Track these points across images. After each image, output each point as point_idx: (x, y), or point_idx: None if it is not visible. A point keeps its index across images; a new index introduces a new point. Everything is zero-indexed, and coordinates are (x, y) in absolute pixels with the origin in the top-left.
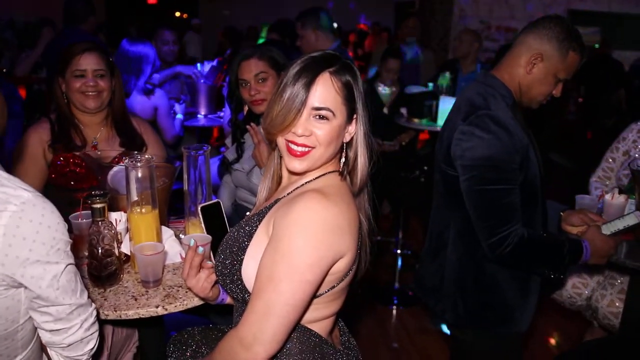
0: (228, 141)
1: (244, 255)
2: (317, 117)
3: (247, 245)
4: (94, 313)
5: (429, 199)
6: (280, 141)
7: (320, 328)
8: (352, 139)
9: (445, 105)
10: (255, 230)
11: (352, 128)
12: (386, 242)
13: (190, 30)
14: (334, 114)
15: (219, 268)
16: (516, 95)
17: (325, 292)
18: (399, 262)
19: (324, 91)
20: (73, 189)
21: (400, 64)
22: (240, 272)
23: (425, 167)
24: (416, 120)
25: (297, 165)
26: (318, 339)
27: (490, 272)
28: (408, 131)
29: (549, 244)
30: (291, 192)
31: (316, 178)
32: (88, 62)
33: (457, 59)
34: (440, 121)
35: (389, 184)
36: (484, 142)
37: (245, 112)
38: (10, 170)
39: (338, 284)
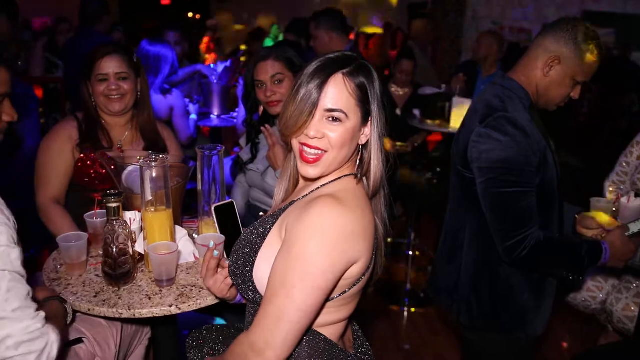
0: (242, 141)
1: (256, 257)
2: (330, 119)
3: (259, 247)
4: (31, 330)
5: (442, 200)
6: (295, 144)
7: (331, 332)
8: (367, 141)
9: (459, 107)
10: (269, 232)
11: (367, 130)
12: (398, 244)
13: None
14: (347, 116)
15: (232, 268)
16: (533, 97)
17: (337, 296)
18: (411, 264)
19: (337, 92)
20: (96, 189)
21: (414, 65)
22: (252, 273)
23: (438, 169)
24: (429, 121)
25: (310, 171)
26: (327, 343)
27: (505, 275)
28: (421, 133)
29: (567, 245)
30: (307, 194)
31: (332, 181)
32: (110, 66)
33: (476, 61)
34: (454, 123)
35: (402, 185)
36: (501, 144)
37: (260, 113)
38: (33, 165)
39: (350, 289)
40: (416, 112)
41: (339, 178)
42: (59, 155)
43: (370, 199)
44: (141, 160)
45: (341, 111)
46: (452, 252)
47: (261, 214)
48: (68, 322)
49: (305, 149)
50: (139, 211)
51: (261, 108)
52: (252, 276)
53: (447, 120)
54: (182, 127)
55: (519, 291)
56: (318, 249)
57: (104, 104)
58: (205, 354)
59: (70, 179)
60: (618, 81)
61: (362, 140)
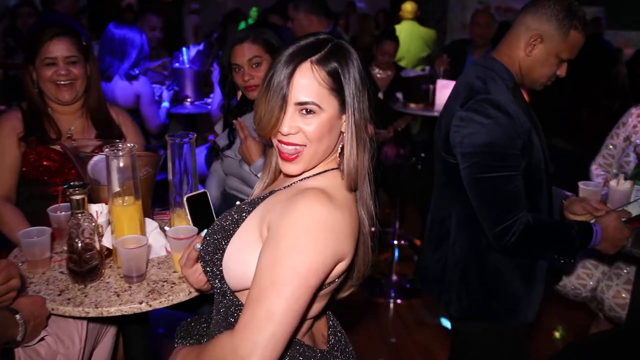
0: (218, 128)
1: (227, 244)
2: (303, 111)
3: (232, 234)
4: None
5: (427, 187)
6: (274, 141)
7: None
8: None
9: (443, 89)
10: (244, 219)
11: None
12: (382, 233)
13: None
14: (320, 107)
15: (202, 254)
16: (517, 77)
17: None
18: (396, 254)
19: (306, 83)
20: (45, 183)
21: (397, 47)
22: (221, 261)
23: (422, 154)
24: (412, 105)
25: (291, 168)
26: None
27: (494, 262)
28: (404, 117)
29: (557, 227)
30: (289, 185)
31: (317, 174)
32: (58, 49)
33: (465, 40)
34: (438, 106)
35: (384, 172)
36: (483, 128)
37: (238, 98)
38: None
39: (325, 287)
40: (399, 95)
41: (325, 171)
42: (3, 150)
43: (354, 191)
44: (106, 150)
45: (313, 103)
46: (438, 241)
47: (237, 202)
48: (19, 333)
49: (283, 146)
50: (106, 203)
51: (239, 93)
52: (220, 264)
53: (432, 103)
54: (151, 115)
55: (509, 278)
56: (310, 244)
57: (53, 93)
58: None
59: (19, 174)
60: (592, 60)
61: (344, 128)
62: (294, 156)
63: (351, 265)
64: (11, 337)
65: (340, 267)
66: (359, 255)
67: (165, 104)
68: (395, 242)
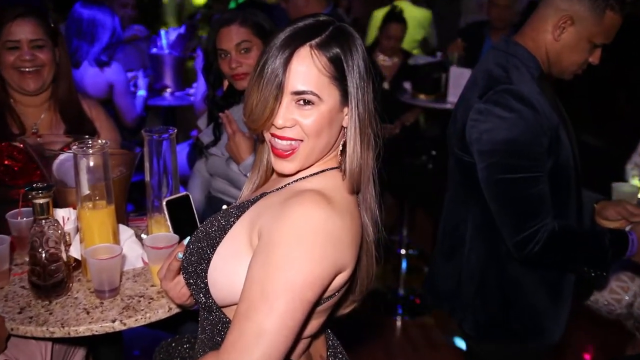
0: (201, 122)
1: (213, 253)
2: (300, 102)
3: (218, 242)
4: None
5: (439, 189)
6: (266, 136)
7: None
8: None
9: (457, 78)
10: (232, 225)
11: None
12: (388, 241)
13: None
14: (319, 97)
15: (184, 264)
16: (544, 65)
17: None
18: (404, 265)
19: (304, 70)
20: (6, 185)
21: (404, 30)
22: (206, 272)
23: (433, 152)
24: (422, 96)
25: (285, 166)
26: None
27: (515, 274)
28: (412, 110)
29: (587, 235)
30: (283, 187)
31: (314, 174)
32: (22, 31)
33: (483, 22)
34: (452, 97)
35: (391, 172)
36: (504, 122)
37: (224, 88)
38: None
39: (325, 302)
40: (407, 85)
41: (323, 171)
42: None
43: (356, 194)
44: (74, 147)
45: (311, 92)
46: (452, 249)
47: (224, 206)
48: None
49: (276, 140)
50: (74, 208)
51: (225, 82)
52: (205, 276)
53: (444, 94)
54: (126, 107)
55: (531, 292)
56: (306, 254)
57: (16, 82)
58: None
59: None
60: (630, 44)
61: (346, 122)
62: (288, 152)
63: (353, 277)
64: None
65: (341, 278)
66: (361, 266)
67: (142, 92)
68: (403, 251)
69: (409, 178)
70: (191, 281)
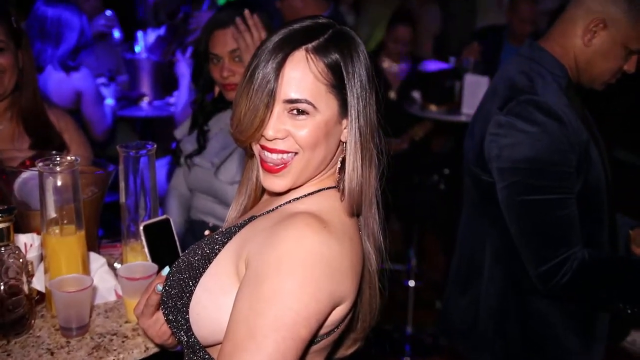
0: (179, 131)
1: (196, 285)
2: (294, 112)
3: (201, 273)
4: None
5: (452, 212)
6: (255, 149)
7: None
8: None
9: (473, 86)
10: (217, 254)
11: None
12: (395, 272)
13: None
14: (315, 107)
15: (164, 299)
16: (572, 73)
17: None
18: (412, 298)
19: (299, 76)
20: None
21: (413, 32)
22: (188, 307)
23: (446, 170)
24: (434, 107)
25: (276, 183)
26: None
27: (540, 309)
28: (422, 122)
29: (622, 265)
30: (273, 209)
31: (309, 194)
32: None
33: (502, 26)
34: (467, 108)
35: (398, 192)
36: (528, 137)
37: (216, 94)
38: None
39: (323, 339)
40: (416, 94)
41: (319, 191)
42: None
43: (356, 216)
44: (40, 164)
45: (306, 101)
46: (468, 280)
47: (207, 232)
48: None
49: (266, 154)
50: (38, 233)
51: (217, 88)
52: (187, 311)
53: (458, 104)
54: (96, 118)
55: (559, 331)
56: (299, 287)
57: None
58: None
59: None
60: None
61: (345, 136)
62: (280, 167)
63: (353, 312)
64: None
65: (339, 312)
66: (363, 300)
67: (110, 101)
68: (412, 283)
69: (418, 200)
70: (171, 317)
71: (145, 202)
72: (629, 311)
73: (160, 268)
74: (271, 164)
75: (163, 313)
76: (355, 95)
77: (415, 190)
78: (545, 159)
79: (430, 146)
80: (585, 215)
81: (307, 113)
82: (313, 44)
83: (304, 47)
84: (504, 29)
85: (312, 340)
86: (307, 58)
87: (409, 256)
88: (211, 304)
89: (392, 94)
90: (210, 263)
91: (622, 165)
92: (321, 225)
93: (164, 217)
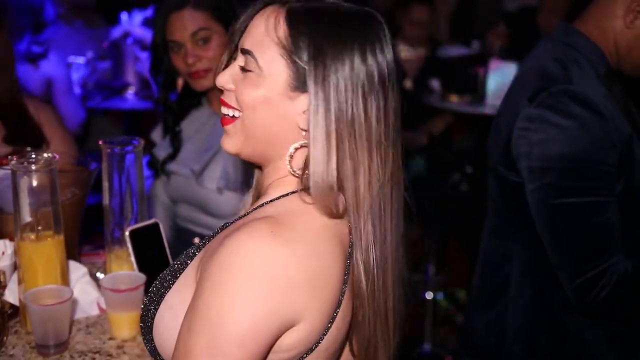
0: (156, 134)
1: (161, 301)
2: (241, 68)
3: (168, 287)
4: None
5: (476, 216)
6: None
7: None
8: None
9: (499, 75)
10: (186, 267)
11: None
12: (411, 283)
13: None
14: (258, 65)
15: (142, 315)
16: (612, 59)
17: None
18: (430, 312)
19: (257, 30)
20: None
21: (431, 13)
22: (153, 323)
23: (469, 169)
24: (454, 97)
25: (225, 142)
26: None
27: (575, 326)
28: (442, 115)
29: None
30: (247, 213)
31: (282, 197)
32: None
33: (534, 7)
34: (492, 99)
35: (415, 194)
36: (562, 132)
37: (179, 89)
38: None
39: None
40: (435, 83)
41: (286, 195)
42: None
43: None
44: (13, 162)
45: (250, 53)
46: (493, 294)
47: (196, 239)
48: None
49: (222, 107)
50: (11, 240)
51: (180, 81)
52: (152, 328)
53: (482, 95)
54: (70, 109)
55: (598, 352)
56: (234, 303)
57: None
58: None
59: None
60: None
61: (301, 122)
62: (227, 119)
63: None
64: None
65: (295, 335)
66: (360, 321)
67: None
68: (430, 295)
69: (437, 201)
70: (144, 332)
71: (132, 205)
72: None
73: (149, 278)
74: (223, 118)
75: (141, 332)
76: (323, 78)
77: (434, 190)
78: (582, 157)
79: (451, 141)
80: (628, 220)
81: (250, 70)
82: (291, 2)
83: (280, 1)
84: (539, 12)
85: None
86: (276, 15)
87: (427, 265)
88: (172, 323)
89: (408, 83)
90: (178, 277)
91: None
92: (270, 229)
93: (152, 221)
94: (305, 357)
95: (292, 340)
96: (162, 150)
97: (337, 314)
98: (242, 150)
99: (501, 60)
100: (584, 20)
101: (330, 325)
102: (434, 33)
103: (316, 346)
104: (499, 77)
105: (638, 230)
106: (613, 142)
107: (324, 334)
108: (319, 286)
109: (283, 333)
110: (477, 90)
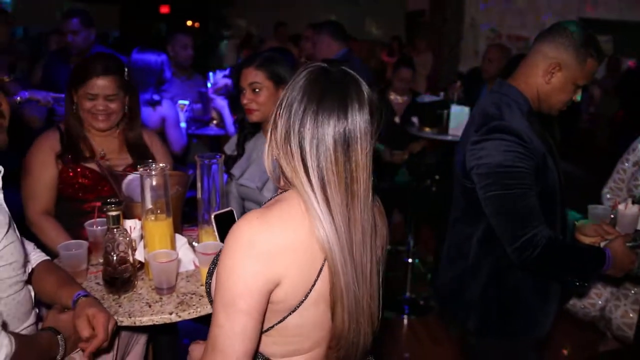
0: (227, 146)
1: (216, 264)
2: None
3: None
4: None
5: (443, 209)
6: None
7: None
8: None
9: (456, 114)
10: None
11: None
12: (397, 251)
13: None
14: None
15: (209, 271)
16: (534, 103)
17: (274, 325)
18: (410, 271)
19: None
20: (80, 199)
21: (413, 73)
22: (211, 279)
23: (437, 177)
24: (427, 129)
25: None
26: None
27: (514, 278)
28: (419, 140)
29: (574, 249)
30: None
31: (279, 193)
32: (101, 87)
33: (479, 68)
34: (452, 130)
35: (400, 192)
36: (496, 150)
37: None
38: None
39: (286, 317)
40: (414, 119)
41: (287, 190)
42: (43, 167)
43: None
44: (141, 169)
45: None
46: (456, 260)
47: None
48: (59, 352)
49: None
50: (139, 219)
51: None
52: (210, 291)
53: (445, 127)
54: (176, 138)
55: (527, 296)
56: (231, 269)
57: (89, 121)
58: None
59: (57, 190)
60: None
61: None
62: None
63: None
64: (52, 357)
65: (282, 290)
66: (337, 317)
67: (183, 125)
68: (410, 260)
69: (415, 198)
70: (208, 285)
71: (216, 198)
72: (577, 283)
73: None
74: None
75: (206, 283)
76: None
77: (413, 191)
78: (511, 164)
79: (425, 158)
80: (544, 210)
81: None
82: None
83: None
84: (481, 71)
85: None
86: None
87: (408, 240)
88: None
89: (397, 119)
90: None
91: (571, 176)
92: (258, 214)
93: (229, 208)
94: (299, 306)
95: (281, 293)
96: (228, 149)
97: (320, 273)
98: None
99: (458, 105)
100: (514, 77)
101: (315, 282)
102: (414, 87)
103: (306, 297)
104: (457, 116)
105: (551, 216)
106: (530, 156)
107: (311, 289)
108: (295, 254)
109: (272, 289)
110: (442, 124)
